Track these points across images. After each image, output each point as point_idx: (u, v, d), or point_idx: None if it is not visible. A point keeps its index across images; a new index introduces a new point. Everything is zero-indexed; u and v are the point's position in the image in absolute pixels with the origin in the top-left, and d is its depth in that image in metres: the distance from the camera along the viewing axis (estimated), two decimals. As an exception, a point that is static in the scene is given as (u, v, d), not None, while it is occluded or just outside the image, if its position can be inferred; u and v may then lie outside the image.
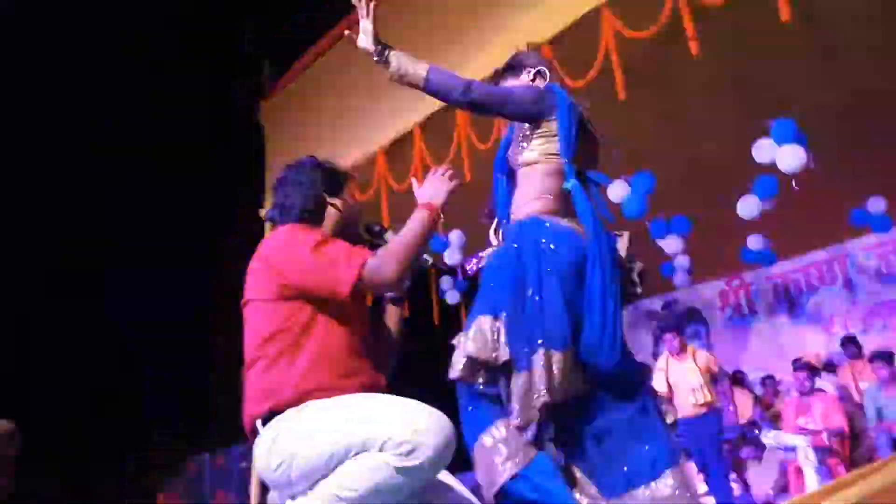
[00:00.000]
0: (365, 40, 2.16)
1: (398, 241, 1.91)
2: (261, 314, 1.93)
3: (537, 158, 2.16)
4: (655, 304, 9.54)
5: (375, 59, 2.16)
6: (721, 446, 5.98)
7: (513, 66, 2.37)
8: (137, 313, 7.46)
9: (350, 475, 1.70)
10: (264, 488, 5.70)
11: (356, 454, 1.71)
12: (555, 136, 2.14)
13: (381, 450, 1.68)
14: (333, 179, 2.10)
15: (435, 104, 5.08)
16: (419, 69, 2.12)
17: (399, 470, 1.68)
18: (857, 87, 4.65)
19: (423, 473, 1.72)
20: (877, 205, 6.39)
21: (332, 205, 2.07)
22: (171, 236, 7.47)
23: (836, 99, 4.71)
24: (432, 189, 2.00)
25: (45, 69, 6.70)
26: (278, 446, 1.79)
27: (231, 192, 7.01)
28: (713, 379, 5.40)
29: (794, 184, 4.97)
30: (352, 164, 5.63)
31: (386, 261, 1.86)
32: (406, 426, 1.70)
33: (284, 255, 1.92)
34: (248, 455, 6.84)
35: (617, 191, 5.18)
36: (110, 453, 7.64)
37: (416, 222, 1.93)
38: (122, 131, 7.26)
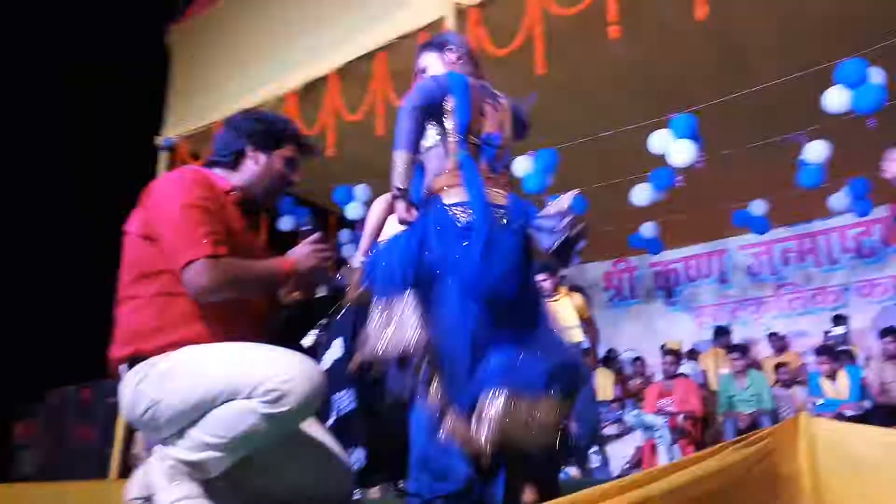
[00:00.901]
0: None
1: (242, 265, 1.85)
2: (139, 250, 1.87)
3: (434, 143, 2.20)
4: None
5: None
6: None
7: (439, 44, 2.39)
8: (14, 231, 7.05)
9: (218, 421, 1.69)
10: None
11: (224, 402, 1.69)
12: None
13: (248, 397, 1.67)
14: (267, 134, 2.06)
15: (353, 51, 5.02)
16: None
17: (266, 417, 1.67)
18: (758, 91, 4.90)
19: (292, 420, 1.72)
20: (759, 207, 6.80)
21: (251, 158, 2.04)
22: (65, 154, 7.07)
23: (738, 101, 4.95)
24: (304, 256, 1.98)
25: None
26: (143, 391, 1.76)
27: (130, 116, 6.65)
28: (586, 324, 5.37)
29: (679, 179, 5.24)
30: (260, 103, 5.45)
31: (211, 268, 1.78)
32: (274, 373, 1.69)
33: (164, 195, 1.87)
34: (115, 391, 6.61)
35: (521, 165, 5.27)
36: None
37: (272, 266, 1.93)
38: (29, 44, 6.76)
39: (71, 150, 7.11)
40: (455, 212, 2.06)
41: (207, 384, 1.70)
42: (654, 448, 6.38)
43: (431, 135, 2.20)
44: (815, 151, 5.24)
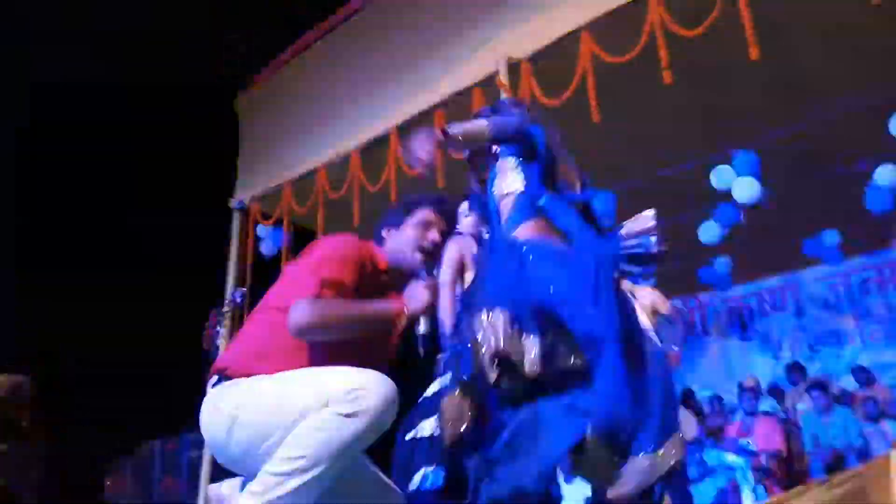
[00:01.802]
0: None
1: (342, 304, 1.90)
2: (275, 287, 2.02)
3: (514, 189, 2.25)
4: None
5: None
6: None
7: (496, 109, 2.49)
8: (91, 290, 7.43)
9: (296, 438, 1.70)
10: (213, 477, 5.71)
11: (300, 419, 1.71)
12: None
13: (325, 405, 1.70)
14: (397, 212, 2.17)
15: (411, 109, 5.20)
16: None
17: (345, 417, 1.68)
18: (817, 123, 4.84)
19: (369, 421, 1.71)
20: (831, 237, 6.62)
21: (386, 236, 2.14)
22: (141, 226, 7.46)
23: (797, 133, 4.90)
24: (411, 294, 2.00)
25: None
26: (220, 406, 1.83)
27: (202, 182, 7.00)
28: (668, 321, 5.02)
29: (742, 217, 5.18)
30: (326, 163, 5.68)
31: (310, 308, 1.84)
32: (347, 381, 1.73)
33: (319, 246, 2.03)
34: (198, 443, 6.82)
35: (582, 209, 5.30)
36: (61, 432, 7.57)
37: (376, 306, 1.96)
38: (98, 114, 7.23)
39: (150, 218, 7.47)
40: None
41: (285, 401, 1.75)
42: (737, 489, 6.18)
43: (514, 180, 2.24)
44: (885, 175, 5.12)
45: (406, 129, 5.25)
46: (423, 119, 5.06)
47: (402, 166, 5.15)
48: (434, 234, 2.13)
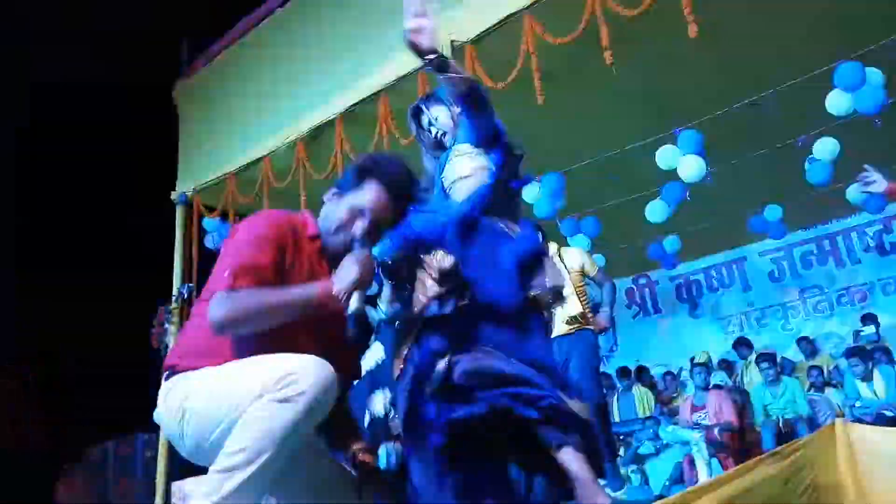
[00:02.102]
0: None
1: (257, 295, 1.79)
2: (213, 273, 1.92)
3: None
4: (566, 299, 9.80)
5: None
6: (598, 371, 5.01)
7: (439, 98, 2.53)
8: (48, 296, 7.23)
9: (235, 433, 1.67)
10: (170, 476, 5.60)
11: (242, 411, 1.67)
12: None
13: (260, 395, 1.66)
14: (350, 178, 2.01)
15: (356, 95, 5.12)
16: None
17: (280, 403, 1.64)
18: (756, 99, 4.92)
19: (306, 405, 1.66)
20: (773, 212, 6.77)
21: (326, 200, 2.03)
22: (81, 214, 7.25)
23: (739, 111, 4.97)
24: (345, 271, 1.83)
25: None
26: (170, 400, 1.82)
27: (141, 173, 6.82)
28: (597, 283, 4.83)
29: (688, 195, 5.26)
30: (268, 152, 5.58)
31: (223, 302, 1.76)
32: (279, 368, 1.68)
33: (237, 230, 1.92)
34: (152, 443, 6.69)
35: (530, 192, 5.32)
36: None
37: (298, 294, 1.82)
38: (38, 102, 6.99)
39: (94, 213, 7.28)
40: None
41: (223, 394, 1.73)
42: (692, 463, 6.30)
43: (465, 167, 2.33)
44: (824, 149, 5.23)
45: (352, 116, 5.18)
46: (368, 104, 4.99)
47: (348, 153, 5.09)
48: (365, 224, 1.95)
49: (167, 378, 1.86)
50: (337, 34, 5.34)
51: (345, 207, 1.97)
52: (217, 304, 1.76)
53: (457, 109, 2.38)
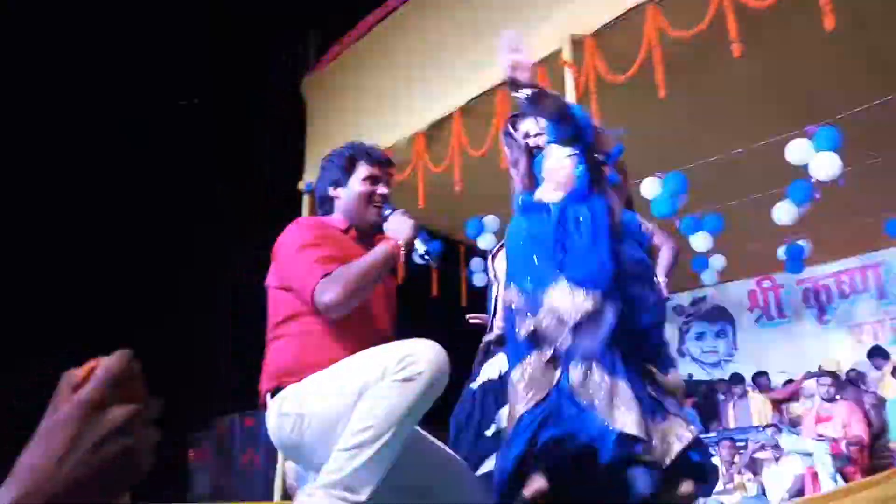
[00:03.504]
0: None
1: (352, 267, 1.95)
2: (277, 299, 2.06)
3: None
4: (684, 299, 9.55)
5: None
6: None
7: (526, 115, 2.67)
8: (176, 276, 7.72)
9: (360, 412, 1.76)
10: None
11: (362, 395, 1.77)
12: None
13: (382, 378, 1.76)
14: (339, 168, 2.18)
15: (475, 89, 5.20)
16: None
17: (402, 382, 1.74)
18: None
19: (427, 382, 1.76)
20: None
21: (335, 197, 2.18)
22: (210, 207, 7.67)
23: (877, 109, 4.66)
24: (396, 226, 2.08)
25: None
26: (286, 411, 1.89)
27: (271, 165, 7.16)
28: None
29: (817, 194, 4.99)
30: (392, 145, 5.75)
31: (330, 286, 1.89)
32: (398, 351, 1.80)
33: (282, 247, 2.05)
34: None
35: (649, 188, 5.21)
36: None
37: (376, 252, 2.00)
38: (164, 98, 7.45)
39: (222, 203, 7.68)
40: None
41: (345, 383, 1.81)
42: (815, 476, 6.00)
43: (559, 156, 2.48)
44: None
45: (469, 111, 5.27)
46: (485, 99, 5.06)
47: (465, 148, 5.18)
48: (382, 188, 2.18)
49: (272, 397, 1.96)
50: (455, 30, 5.44)
51: (358, 186, 2.16)
52: (323, 290, 1.90)
53: (542, 122, 2.56)
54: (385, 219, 2.13)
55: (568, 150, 2.44)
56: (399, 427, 1.76)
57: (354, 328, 1.98)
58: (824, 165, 4.81)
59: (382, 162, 2.25)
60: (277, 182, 7.01)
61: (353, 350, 1.93)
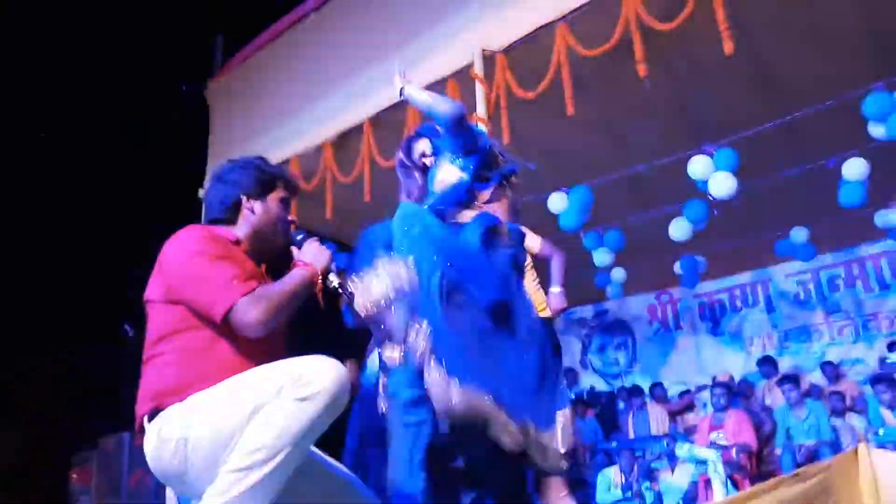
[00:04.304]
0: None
1: (274, 288, 1.89)
2: (160, 315, 1.90)
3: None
4: (587, 312, 9.78)
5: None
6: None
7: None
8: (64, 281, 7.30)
9: (253, 432, 1.66)
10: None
11: (254, 416, 1.67)
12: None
13: (277, 396, 1.67)
14: (258, 182, 2.07)
15: (385, 100, 5.14)
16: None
17: (300, 401, 1.66)
18: (788, 119, 4.86)
19: (325, 402, 1.69)
20: (799, 234, 6.67)
21: (248, 208, 2.05)
22: (107, 212, 7.30)
23: (771, 129, 4.91)
24: (311, 255, 2.03)
25: None
26: (165, 434, 1.75)
27: (172, 171, 6.87)
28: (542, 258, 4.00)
29: (715, 212, 5.20)
30: (299, 154, 5.61)
31: (253, 304, 1.81)
32: (297, 367, 1.71)
33: (177, 258, 1.89)
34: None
35: (556, 202, 5.29)
36: (23, 423, 7.46)
37: (295, 277, 1.95)
38: (66, 100, 7.08)
39: (118, 209, 7.34)
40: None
41: (237, 402, 1.70)
42: (708, 483, 6.22)
43: (451, 172, 2.55)
44: (854, 169, 5.14)
45: (379, 121, 5.20)
46: (396, 110, 5.00)
47: (375, 158, 5.10)
48: (290, 214, 2.17)
49: (150, 420, 1.81)
50: (367, 39, 5.37)
51: (274, 206, 2.09)
52: (246, 309, 1.80)
53: (436, 137, 2.69)
54: (297, 244, 2.09)
55: (457, 166, 2.53)
56: (293, 449, 1.67)
57: (244, 344, 1.86)
58: (721, 184, 5.01)
59: (296, 189, 2.21)
60: (176, 188, 6.72)
61: (243, 367, 1.82)
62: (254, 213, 2.05)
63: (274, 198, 2.09)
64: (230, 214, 2.05)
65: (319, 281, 1.99)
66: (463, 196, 2.49)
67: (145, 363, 1.89)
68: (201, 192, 6.45)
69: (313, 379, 1.68)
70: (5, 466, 7.06)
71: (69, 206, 7.33)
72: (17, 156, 7.00)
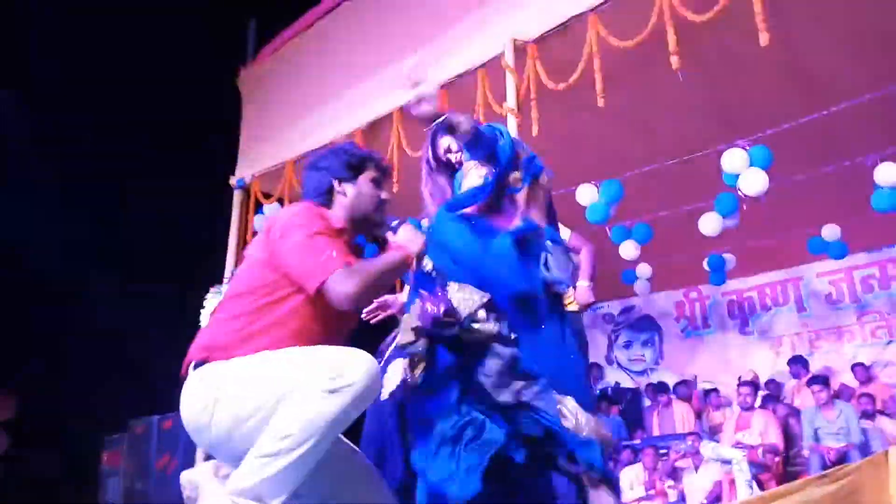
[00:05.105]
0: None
1: (369, 263, 1.97)
2: (246, 271, 2.01)
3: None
4: (614, 308, 9.72)
5: None
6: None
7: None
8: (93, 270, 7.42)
9: (282, 418, 1.71)
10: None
11: (282, 400, 1.72)
12: None
13: (308, 385, 1.71)
14: (347, 165, 2.17)
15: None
16: None
17: (329, 393, 1.70)
18: (826, 115, 4.77)
19: (354, 396, 1.74)
20: (831, 231, 6.57)
21: (340, 192, 2.15)
22: (138, 199, 7.40)
23: (804, 125, 4.83)
24: (408, 238, 2.11)
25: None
26: (202, 387, 1.84)
27: (203, 157, 6.94)
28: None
29: (744, 206, 5.12)
30: (327, 143, 5.63)
31: (351, 276, 1.88)
32: (330, 358, 1.77)
33: (287, 225, 1.99)
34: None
35: (585, 195, 5.26)
36: (55, 407, 7.62)
37: (391, 256, 2.04)
38: (96, 88, 7.17)
39: (150, 195, 7.42)
40: None
41: (266, 380, 1.77)
42: (732, 483, 6.16)
43: (475, 178, 2.45)
44: (886, 174, 5.04)
45: (409, 110, 5.19)
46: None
47: (404, 148, 5.11)
48: (385, 193, 2.22)
49: (195, 368, 1.89)
50: (399, 28, 5.37)
51: (367, 187, 2.16)
52: (342, 280, 1.87)
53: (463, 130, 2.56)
54: (393, 229, 2.18)
55: (483, 171, 2.46)
56: (320, 439, 1.72)
57: (315, 325, 1.94)
58: (752, 182, 4.93)
59: (387, 169, 2.31)
60: (209, 176, 6.79)
61: (296, 343, 1.88)
62: (346, 195, 2.15)
63: (365, 179, 2.18)
64: (325, 200, 2.16)
65: (413, 263, 2.09)
66: (492, 198, 2.41)
67: (215, 313, 2.00)
68: (232, 181, 6.52)
69: (346, 372, 1.73)
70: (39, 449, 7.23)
71: (104, 193, 7.43)
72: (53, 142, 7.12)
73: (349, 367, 1.75)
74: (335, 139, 5.62)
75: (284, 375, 1.76)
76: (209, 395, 1.81)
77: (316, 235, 1.95)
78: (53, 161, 7.23)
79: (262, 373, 1.80)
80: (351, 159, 2.18)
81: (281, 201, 6.02)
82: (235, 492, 1.71)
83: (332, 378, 1.72)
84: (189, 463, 6.46)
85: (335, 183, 2.15)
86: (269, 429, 1.71)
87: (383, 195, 2.20)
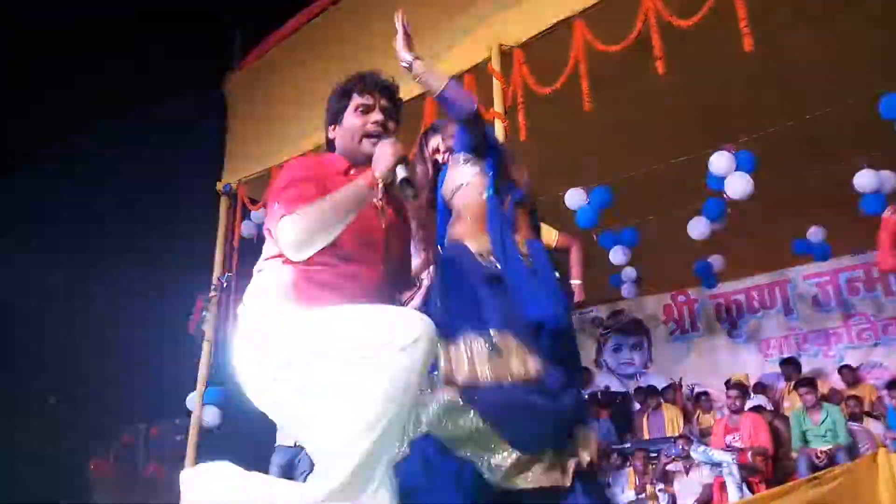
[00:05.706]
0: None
1: (315, 205, 1.80)
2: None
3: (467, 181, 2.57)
4: (602, 312, 9.73)
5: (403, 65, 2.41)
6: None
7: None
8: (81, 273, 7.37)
9: (363, 392, 1.60)
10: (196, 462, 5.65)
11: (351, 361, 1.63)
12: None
13: (373, 347, 1.62)
14: (331, 110, 2.12)
15: (403, 94, 5.12)
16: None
17: (400, 351, 1.60)
18: (809, 120, 4.81)
19: (424, 349, 1.63)
20: (815, 234, 6.61)
21: (331, 138, 2.11)
22: (125, 203, 7.37)
23: (788, 129, 4.86)
24: (377, 156, 1.92)
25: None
26: (259, 325, 1.79)
27: (189, 163, 6.91)
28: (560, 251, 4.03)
29: (728, 210, 5.16)
30: (317, 147, 5.61)
31: (292, 223, 1.77)
32: (386, 318, 1.69)
33: (278, 180, 1.96)
34: (184, 429, 6.79)
35: (574, 199, 5.27)
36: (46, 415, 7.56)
37: (345, 189, 1.85)
38: (84, 90, 7.14)
39: (138, 198, 7.40)
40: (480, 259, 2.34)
41: (326, 337, 1.69)
42: (723, 485, 6.17)
43: (464, 173, 2.48)
44: (865, 180, 5.08)
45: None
46: (413, 105, 4.99)
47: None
48: (375, 116, 2.05)
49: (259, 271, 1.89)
50: (385, 34, 5.35)
51: (350, 119, 2.05)
52: (285, 228, 1.77)
53: (450, 133, 2.62)
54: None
55: (476, 168, 2.47)
56: (405, 398, 1.62)
57: (340, 281, 1.85)
58: (738, 185, 4.96)
59: (376, 88, 2.10)
60: (196, 182, 6.77)
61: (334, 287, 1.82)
62: (338, 137, 2.08)
63: (350, 113, 2.07)
64: (330, 146, 2.13)
65: (381, 185, 1.87)
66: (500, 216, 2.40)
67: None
68: (219, 186, 6.49)
69: (405, 327, 1.64)
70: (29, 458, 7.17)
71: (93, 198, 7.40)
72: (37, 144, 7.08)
73: (406, 321, 1.66)
74: (320, 145, 5.60)
75: (345, 336, 1.67)
76: (265, 340, 1.77)
77: (282, 191, 1.86)
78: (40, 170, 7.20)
79: (322, 337, 1.71)
80: (333, 98, 2.12)
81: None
82: (328, 496, 1.58)
83: (398, 336, 1.62)
84: (177, 472, 6.41)
85: (329, 130, 2.11)
86: (351, 409, 1.59)
87: (371, 119, 2.04)
